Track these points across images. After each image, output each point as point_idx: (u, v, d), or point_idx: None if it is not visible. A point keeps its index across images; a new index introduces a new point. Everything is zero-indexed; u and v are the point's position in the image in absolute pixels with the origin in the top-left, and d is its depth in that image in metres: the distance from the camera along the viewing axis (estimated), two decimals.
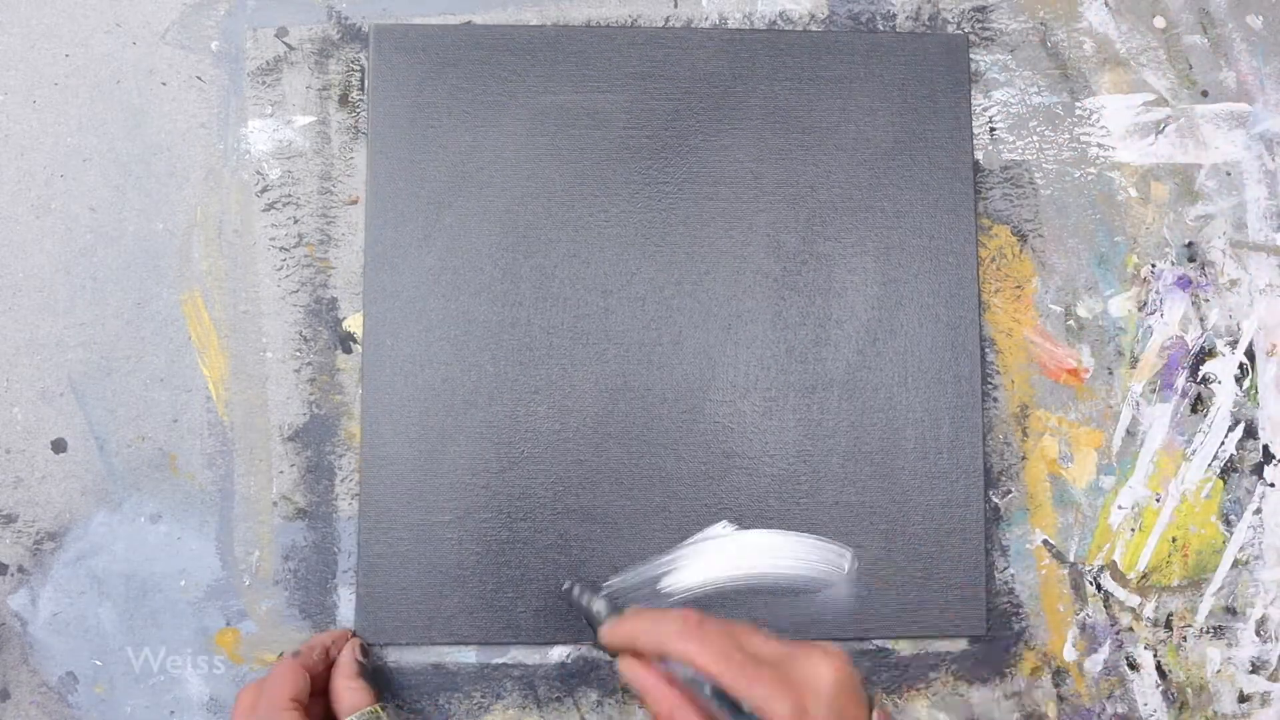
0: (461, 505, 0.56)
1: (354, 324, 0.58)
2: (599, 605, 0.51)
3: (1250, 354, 0.60)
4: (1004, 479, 0.58)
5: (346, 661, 0.52)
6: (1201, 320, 0.60)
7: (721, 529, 0.55)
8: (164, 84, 0.59)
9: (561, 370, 0.57)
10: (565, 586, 0.53)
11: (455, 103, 0.58)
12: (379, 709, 0.49)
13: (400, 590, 0.55)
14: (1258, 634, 0.58)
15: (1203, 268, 0.60)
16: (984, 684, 0.57)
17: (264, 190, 0.58)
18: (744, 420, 0.57)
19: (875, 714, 0.43)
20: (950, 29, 0.60)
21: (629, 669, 0.46)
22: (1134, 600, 0.58)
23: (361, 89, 0.59)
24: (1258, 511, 0.59)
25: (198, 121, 0.59)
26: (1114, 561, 0.58)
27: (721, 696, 0.43)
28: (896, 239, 0.58)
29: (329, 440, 0.57)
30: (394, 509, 0.56)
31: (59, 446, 0.57)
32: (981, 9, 0.61)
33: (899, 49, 0.59)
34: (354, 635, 0.55)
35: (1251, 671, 0.58)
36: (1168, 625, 0.58)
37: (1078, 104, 0.60)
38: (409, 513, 0.56)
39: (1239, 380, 0.59)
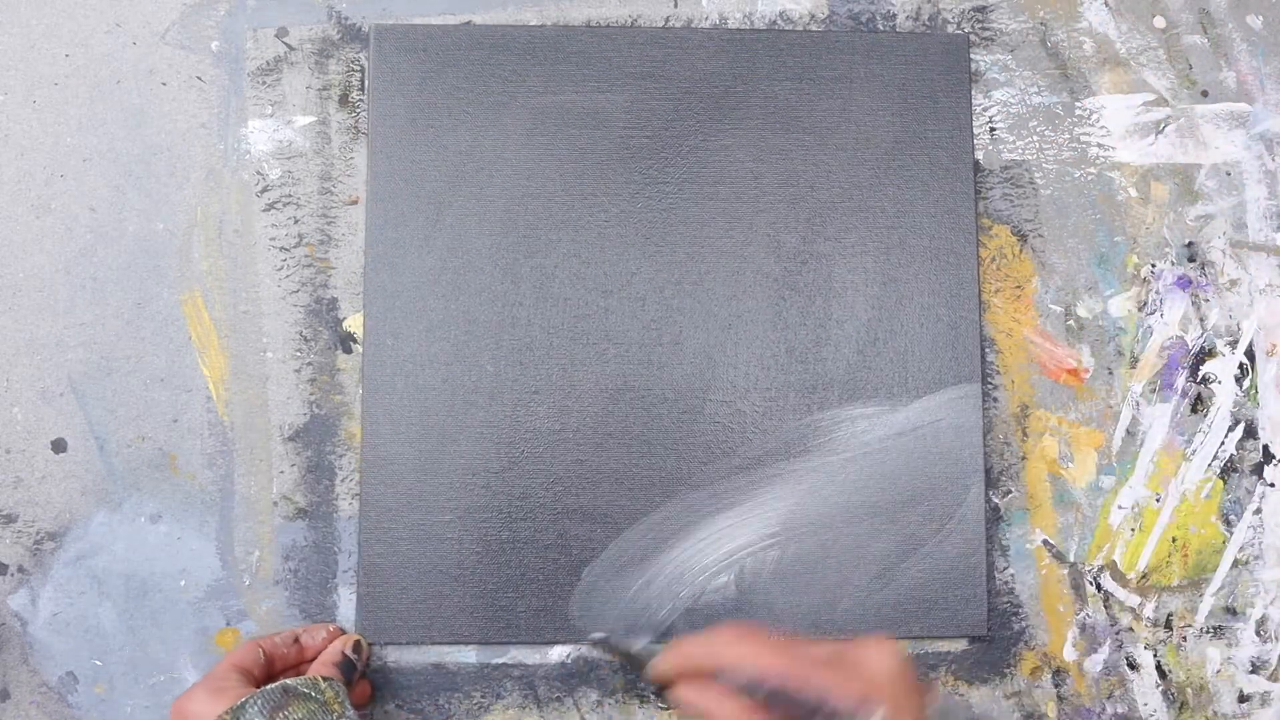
0: (461, 505, 0.56)
1: (354, 324, 0.58)
2: (640, 643, 0.52)
3: (1250, 354, 0.60)
4: (1004, 479, 0.58)
5: (333, 651, 0.52)
6: (1201, 320, 0.60)
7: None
8: (164, 84, 0.59)
9: (561, 370, 0.57)
10: (598, 637, 0.54)
11: (455, 103, 0.58)
12: (319, 679, 0.48)
13: (400, 590, 0.55)
14: (1258, 634, 0.58)
15: (1203, 268, 0.60)
16: (984, 684, 0.57)
17: (264, 190, 0.58)
18: (744, 420, 0.57)
19: (930, 696, 0.44)
20: (950, 29, 0.60)
21: (686, 693, 0.46)
22: (1134, 600, 0.58)
23: (361, 89, 0.59)
24: (1258, 511, 0.59)
25: (198, 121, 0.59)
26: (1114, 561, 0.58)
27: (777, 695, 0.43)
28: (896, 239, 0.58)
29: (329, 440, 0.57)
30: (394, 509, 0.56)
31: (59, 446, 0.57)
32: (981, 9, 0.61)
33: (899, 49, 0.59)
34: (344, 632, 0.55)
35: (1251, 671, 0.58)
36: (1168, 625, 0.58)
37: (1078, 104, 0.60)
38: (409, 513, 0.56)
39: (1239, 380, 0.59)
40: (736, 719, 0.44)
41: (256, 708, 0.46)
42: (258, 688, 0.48)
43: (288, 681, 0.47)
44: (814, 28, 0.60)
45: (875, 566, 0.56)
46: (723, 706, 0.44)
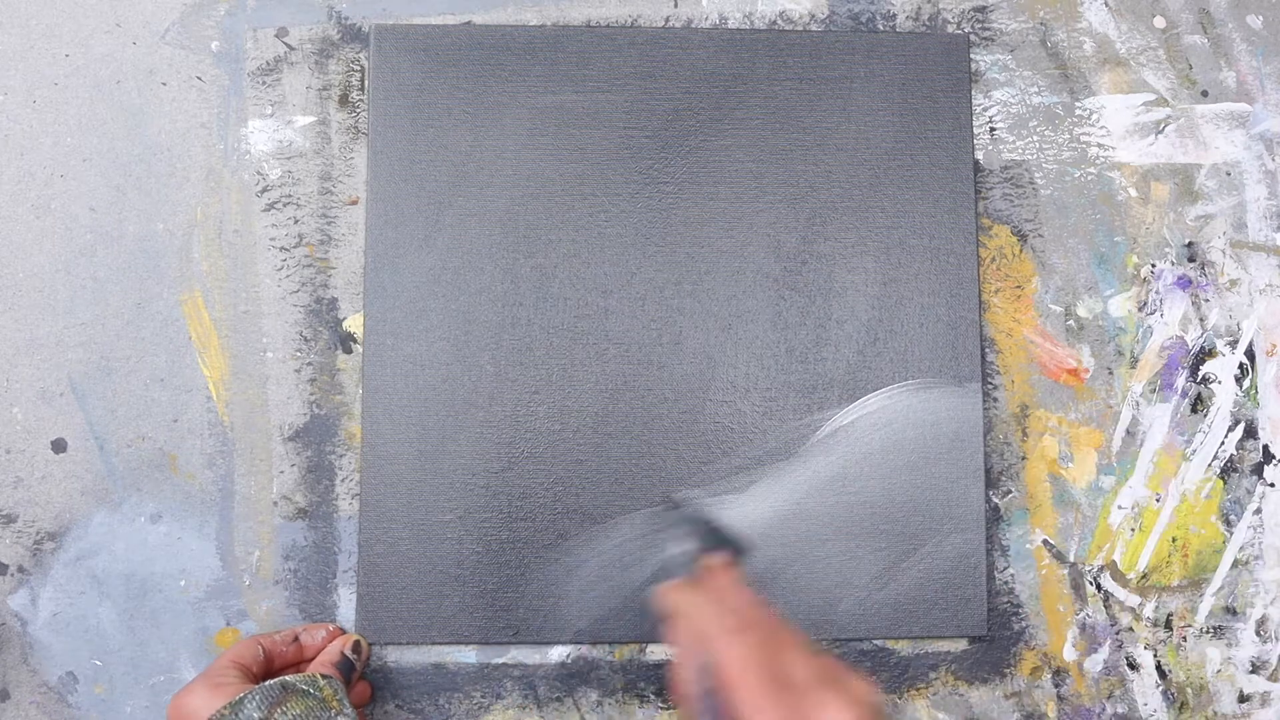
0: (461, 505, 0.56)
1: (354, 324, 0.58)
2: (683, 548, 0.50)
3: (1250, 354, 0.60)
4: (1004, 479, 0.58)
5: (332, 651, 0.52)
6: (1201, 320, 0.60)
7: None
8: (164, 84, 0.59)
9: (561, 370, 0.57)
10: (679, 497, 0.53)
11: (455, 103, 0.58)
12: (318, 676, 0.48)
13: (400, 590, 0.55)
14: (1258, 634, 0.58)
15: (1203, 268, 0.60)
16: (984, 684, 0.57)
17: (264, 190, 0.58)
18: (744, 420, 0.57)
19: None
20: (950, 29, 0.60)
21: (673, 633, 0.46)
22: (1134, 600, 0.58)
23: (361, 89, 0.59)
24: (1258, 511, 0.59)
25: (198, 121, 0.59)
26: (1114, 561, 0.58)
27: (712, 704, 0.42)
28: (896, 239, 0.58)
29: (329, 440, 0.57)
30: (394, 509, 0.56)
31: (59, 446, 0.57)
32: (981, 9, 0.61)
33: (899, 49, 0.59)
34: (344, 632, 0.55)
35: (1251, 671, 0.58)
36: (1168, 625, 0.58)
37: (1078, 104, 0.60)
38: (409, 513, 0.56)
39: (1239, 380, 0.59)
40: (686, 693, 0.43)
41: (254, 703, 0.46)
42: (256, 684, 0.48)
43: (286, 678, 0.47)
44: (814, 28, 0.60)
45: (875, 566, 0.56)
46: (682, 679, 0.44)
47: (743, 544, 0.53)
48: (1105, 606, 0.58)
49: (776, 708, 0.40)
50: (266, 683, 0.47)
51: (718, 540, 0.52)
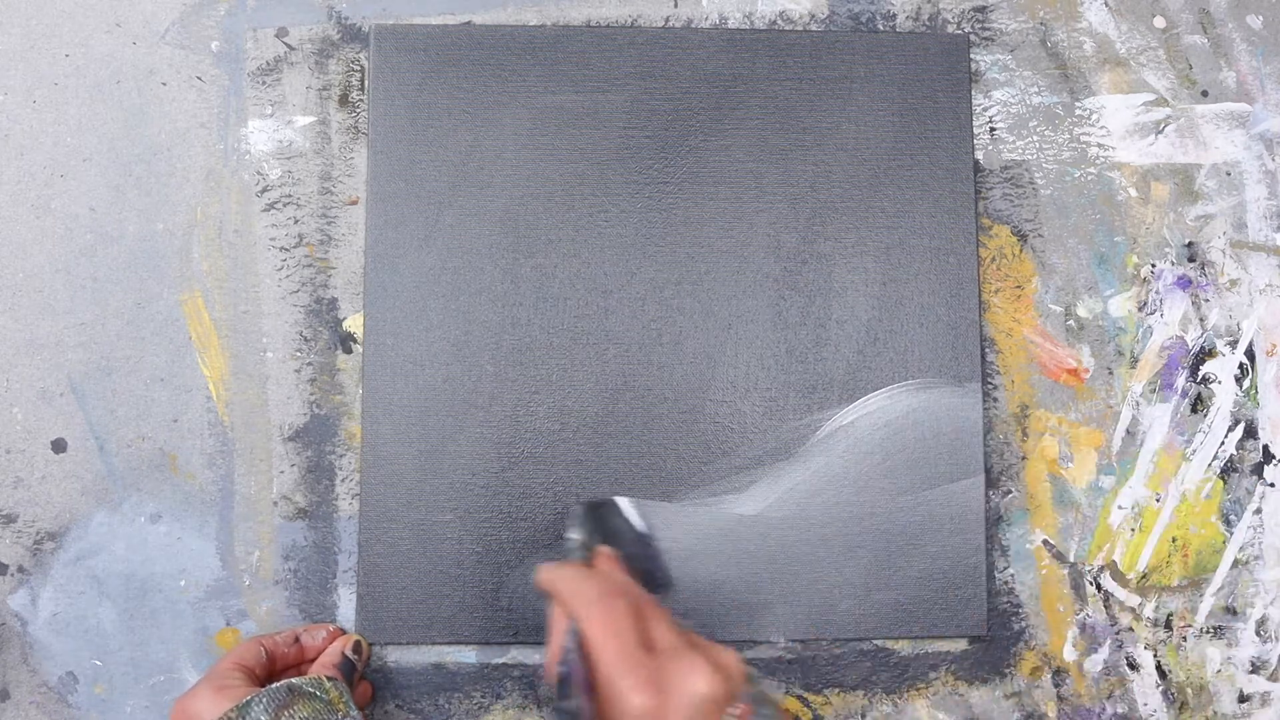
0: (461, 505, 0.56)
1: (354, 324, 0.58)
2: (573, 535, 0.51)
3: (1250, 354, 0.60)
4: (1004, 479, 0.58)
5: (333, 652, 0.52)
6: (1201, 320, 0.60)
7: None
8: (164, 84, 0.59)
9: (561, 370, 0.57)
10: (586, 503, 0.53)
11: (455, 103, 0.58)
12: (324, 678, 0.48)
13: (400, 590, 0.55)
14: (1258, 634, 0.58)
15: (1203, 268, 0.60)
16: (984, 684, 0.57)
17: (264, 190, 0.58)
18: (744, 420, 0.57)
19: None
20: (950, 29, 0.60)
21: (551, 615, 0.47)
22: (1134, 600, 0.58)
23: (361, 89, 0.59)
24: (1258, 511, 0.59)
25: (198, 121, 0.59)
26: (1114, 561, 0.58)
27: (577, 670, 0.42)
28: (896, 239, 0.58)
29: (329, 440, 0.57)
30: (394, 509, 0.56)
31: (59, 446, 0.57)
32: (981, 9, 0.61)
33: (899, 49, 0.59)
34: (344, 632, 0.55)
35: (1251, 671, 0.58)
36: (1168, 625, 0.58)
37: (1078, 104, 0.60)
38: (409, 513, 0.56)
39: (1239, 380, 0.59)
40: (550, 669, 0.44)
41: (261, 706, 0.46)
42: (260, 686, 0.48)
43: (293, 680, 0.47)
44: (814, 28, 0.60)
45: (875, 566, 0.56)
46: (551, 654, 0.44)
47: (646, 540, 0.54)
48: (1105, 606, 0.58)
49: (638, 669, 0.40)
50: (273, 685, 0.47)
51: (605, 533, 0.52)
